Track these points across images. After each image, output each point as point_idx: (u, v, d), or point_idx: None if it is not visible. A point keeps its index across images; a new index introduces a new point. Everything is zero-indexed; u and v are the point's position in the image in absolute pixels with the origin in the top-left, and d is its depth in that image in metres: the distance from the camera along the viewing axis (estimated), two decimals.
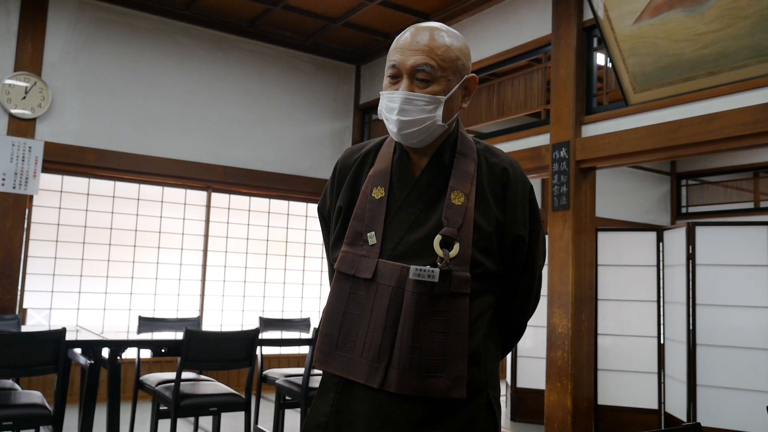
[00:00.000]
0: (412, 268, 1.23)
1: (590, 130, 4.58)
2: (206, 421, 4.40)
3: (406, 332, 1.22)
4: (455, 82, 1.31)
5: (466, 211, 1.28)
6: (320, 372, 1.37)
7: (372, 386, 1.24)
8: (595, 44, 4.69)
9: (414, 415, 1.23)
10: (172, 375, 3.59)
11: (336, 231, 1.39)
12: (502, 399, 5.84)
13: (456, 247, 1.25)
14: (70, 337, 3.21)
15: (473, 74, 1.36)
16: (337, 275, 1.32)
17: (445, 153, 1.35)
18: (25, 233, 5.18)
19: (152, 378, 3.68)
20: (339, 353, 1.28)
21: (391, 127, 1.32)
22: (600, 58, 4.84)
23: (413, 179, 1.34)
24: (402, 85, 1.29)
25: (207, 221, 6.12)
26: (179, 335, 3.54)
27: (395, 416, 1.24)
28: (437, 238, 1.25)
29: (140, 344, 3.63)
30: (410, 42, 1.30)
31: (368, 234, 1.30)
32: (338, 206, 1.39)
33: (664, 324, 4.66)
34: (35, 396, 3.16)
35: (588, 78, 4.70)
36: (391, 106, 1.30)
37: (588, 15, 4.57)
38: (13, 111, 5.10)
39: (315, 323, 4.57)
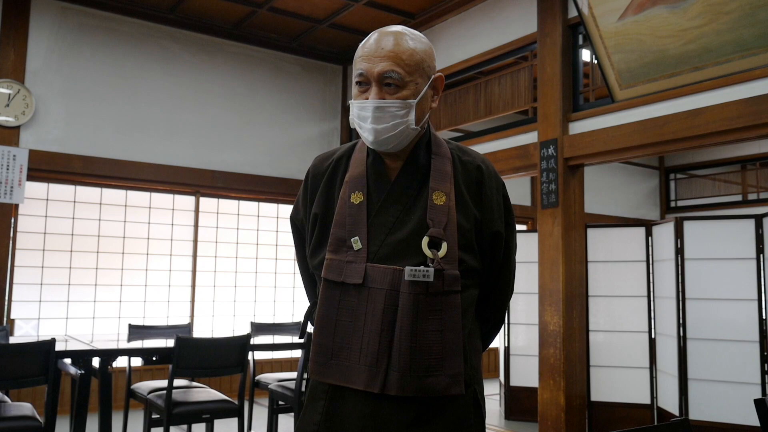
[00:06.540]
0: (407, 269, 1.23)
1: (577, 127, 4.60)
2: (199, 429, 4.37)
3: (404, 333, 1.23)
4: (424, 85, 1.32)
5: (449, 210, 1.30)
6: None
7: (372, 391, 1.23)
8: (581, 41, 4.71)
9: (407, 417, 1.24)
10: (163, 383, 3.56)
11: (314, 239, 1.38)
12: (497, 398, 5.85)
13: (444, 247, 1.26)
14: (59, 347, 3.18)
15: (440, 73, 1.37)
16: (324, 283, 1.31)
17: (419, 154, 1.36)
18: (11, 243, 5.12)
19: (144, 386, 3.65)
20: (335, 362, 1.27)
21: (366, 136, 1.32)
22: (586, 55, 4.86)
23: (389, 182, 1.35)
24: (372, 93, 1.29)
25: (196, 226, 6.09)
26: (170, 342, 3.52)
27: (389, 419, 1.24)
28: (425, 240, 1.25)
29: (131, 353, 3.60)
30: (375, 49, 1.30)
31: (352, 239, 1.29)
32: (313, 213, 1.39)
33: (654, 319, 4.69)
34: (25, 408, 3.13)
35: (574, 75, 4.71)
36: (364, 114, 1.30)
37: (573, 12, 4.59)
38: None
39: (309, 328, 4.55)
